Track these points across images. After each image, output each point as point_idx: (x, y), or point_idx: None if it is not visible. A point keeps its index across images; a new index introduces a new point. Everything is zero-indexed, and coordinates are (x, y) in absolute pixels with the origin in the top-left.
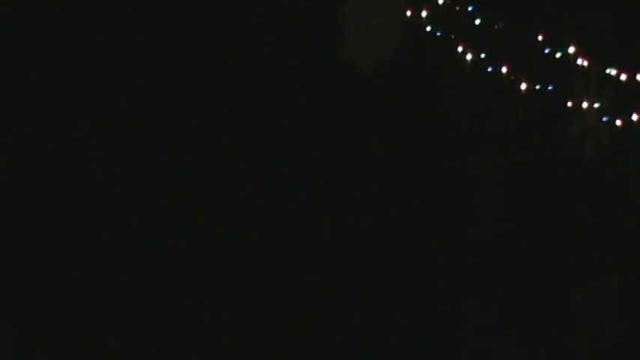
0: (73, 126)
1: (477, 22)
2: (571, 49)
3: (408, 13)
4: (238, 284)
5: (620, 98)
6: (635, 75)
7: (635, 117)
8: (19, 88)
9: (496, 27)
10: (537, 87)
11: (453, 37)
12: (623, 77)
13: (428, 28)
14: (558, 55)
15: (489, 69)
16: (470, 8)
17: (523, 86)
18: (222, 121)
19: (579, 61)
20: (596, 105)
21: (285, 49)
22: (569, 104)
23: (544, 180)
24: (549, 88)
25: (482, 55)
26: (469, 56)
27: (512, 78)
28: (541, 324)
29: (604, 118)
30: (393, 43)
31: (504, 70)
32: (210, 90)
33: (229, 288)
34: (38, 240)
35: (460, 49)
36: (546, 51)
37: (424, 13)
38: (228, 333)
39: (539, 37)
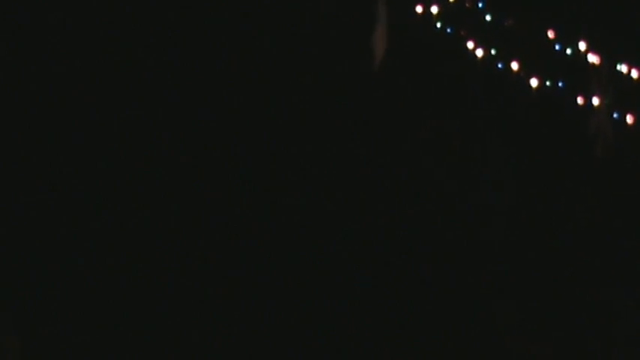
0: (73, 125)
1: (488, 18)
2: (582, 46)
3: (419, 10)
4: (242, 285)
5: (631, 95)
6: None
7: None
8: (19, 88)
9: (507, 23)
10: (548, 83)
11: (463, 33)
12: (634, 74)
13: (438, 25)
14: (569, 51)
15: (500, 65)
16: (480, 5)
17: (534, 83)
18: (227, 119)
19: (590, 58)
20: (606, 102)
21: (290, 48)
22: (580, 101)
23: (554, 177)
24: (560, 84)
25: (493, 52)
26: (480, 53)
27: (523, 74)
28: (561, 323)
29: (614, 115)
30: (384, 43)
31: (515, 66)
32: (211, 89)
33: (229, 288)
34: (41, 244)
35: (471, 45)
36: (557, 47)
37: (435, 10)
38: (229, 333)
39: (550, 34)
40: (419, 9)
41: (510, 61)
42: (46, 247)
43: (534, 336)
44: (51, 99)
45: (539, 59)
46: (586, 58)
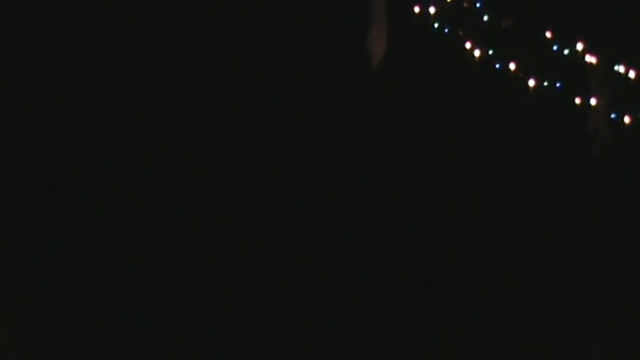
0: (73, 125)
1: (486, 18)
2: (579, 46)
3: (417, 10)
4: (242, 285)
5: (628, 95)
6: None
7: None
8: (19, 88)
9: (504, 24)
10: (546, 83)
11: (461, 33)
12: (631, 75)
13: (436, 25)
14: (567, 52)
15: (497, 65)
16: (478, 5)
17: (531, 83)
18: (227, 119)
19: (588, 58)
20: (604, 102)
21: (290, 48)
22: (578, 101)
23: (553, 177)
24: (558, 84)
25: (491, 52)
26: (477, 53)
27: (521, 74)
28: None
29: (612, 115)
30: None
31: (513, 66)
32: (211, 89)
33: (229, 288)
34: (41, 244)
35: (468, 45)
36: (555, 48)
37: (432, 10)
38: (229, 333)
39: (548, 34)
40: (416, 9)
41: (508, 61)
42: (45, 246)
43: (534, 336)
44: (51, 99)
45: (537, 59)
46: (584, 59)
